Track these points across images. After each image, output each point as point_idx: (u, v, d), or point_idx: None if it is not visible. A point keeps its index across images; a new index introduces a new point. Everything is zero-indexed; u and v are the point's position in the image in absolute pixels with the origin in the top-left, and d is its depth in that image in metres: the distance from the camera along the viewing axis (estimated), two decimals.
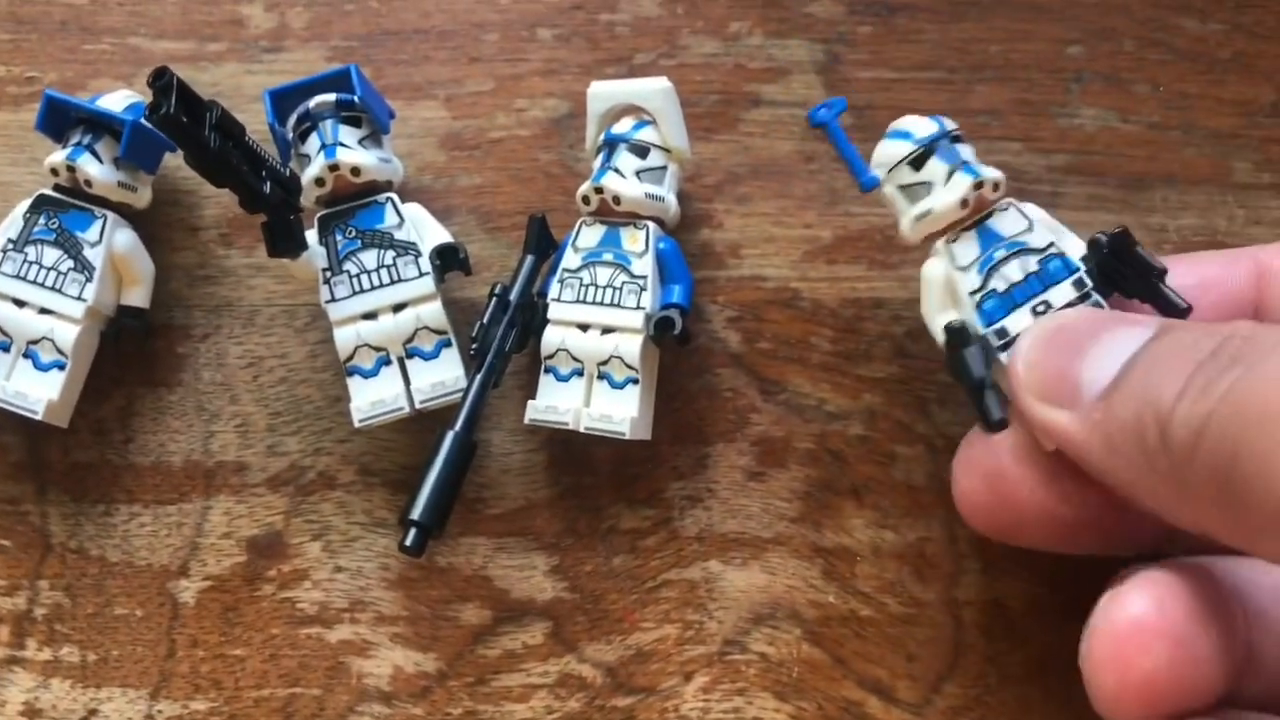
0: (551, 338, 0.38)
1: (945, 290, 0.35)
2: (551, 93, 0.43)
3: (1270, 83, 0.43)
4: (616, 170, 0.38)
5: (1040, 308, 0.34)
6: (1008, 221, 0.35)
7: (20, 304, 0.38)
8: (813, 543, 0.40)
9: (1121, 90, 0.43)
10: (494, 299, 0.38)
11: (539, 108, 0.43)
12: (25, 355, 0.38)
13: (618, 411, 0.37)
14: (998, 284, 0.35)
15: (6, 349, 0.38)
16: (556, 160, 0.42)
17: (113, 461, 0.40)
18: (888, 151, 0.36)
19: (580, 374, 0.38)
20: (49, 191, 0.39)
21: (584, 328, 0.38)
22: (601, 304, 0.38)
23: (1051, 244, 0.35)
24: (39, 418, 0.37)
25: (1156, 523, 0.30)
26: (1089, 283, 0.34)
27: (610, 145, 0.39)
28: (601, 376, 0.38)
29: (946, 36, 0.43)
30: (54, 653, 0.39)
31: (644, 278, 0.38)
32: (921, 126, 0.36)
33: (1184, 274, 0.35)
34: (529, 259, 0.39)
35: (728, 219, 0.42)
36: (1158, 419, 0.28)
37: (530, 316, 0.39)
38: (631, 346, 0.38)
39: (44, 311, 0.38)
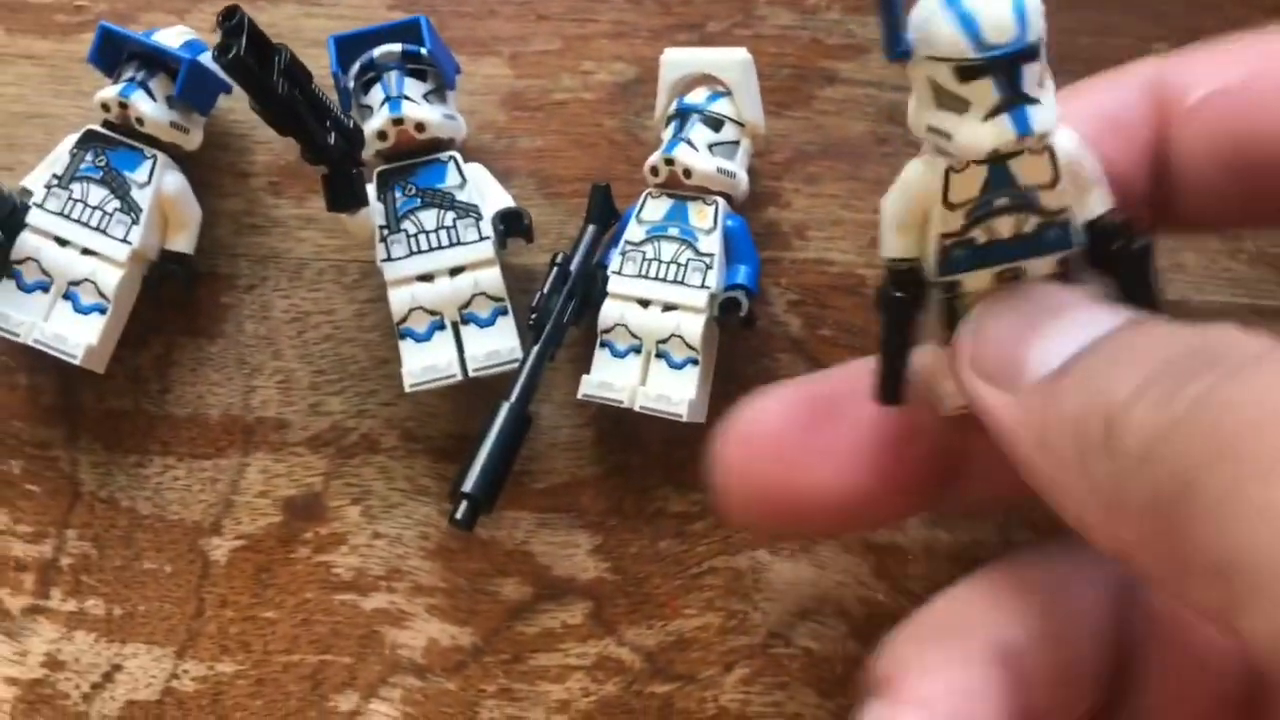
0: (610, 312, 0.37)
1: (918, 206, 0.27)
2: (620, 56, 0.41)
3: None
4: (689, 142, 0.37)
5: (1007, 274, 0.27)
6: (1033, 168, 0.26)
7: (63, 243, 0.37)
8: (865, 539, 0.38)
9: None
10: (554, 268, 0.37)
11: (606, 71, 0.41)
12: (65, 296, 0.37)
13: (676, 392, 0.36)
14: (979, 235, 0.27)
15: (46, 289, 0.37)
16: (621, 127, 0.41)
17: (148, 411, 0.39)
18: (938, 32, 0.23)
19: (638, 351, 0.37)
20: (97, 127, 0.37)
21: (644, 303, 0.37)
22: (665, 280, 0.37)
23: (1065, 210, 0.27)
24: (78, 362, 0.36)
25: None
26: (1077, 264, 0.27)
27: (682, 115, 0.38)
28: (660, 355, 0.37)
29: None
30: (79, 604, 0.38)
31: (710, 255, 0.37)
32: (997, 25, 0.23)
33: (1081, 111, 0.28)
34: (590, 229, 0.38)
35: (795, 198, 0.40)
36: (1107, 417, 0.23)
37: (590, 288, 0.37)
38: (694, 326, 0.36)
39: (86, 252, 0.37)
